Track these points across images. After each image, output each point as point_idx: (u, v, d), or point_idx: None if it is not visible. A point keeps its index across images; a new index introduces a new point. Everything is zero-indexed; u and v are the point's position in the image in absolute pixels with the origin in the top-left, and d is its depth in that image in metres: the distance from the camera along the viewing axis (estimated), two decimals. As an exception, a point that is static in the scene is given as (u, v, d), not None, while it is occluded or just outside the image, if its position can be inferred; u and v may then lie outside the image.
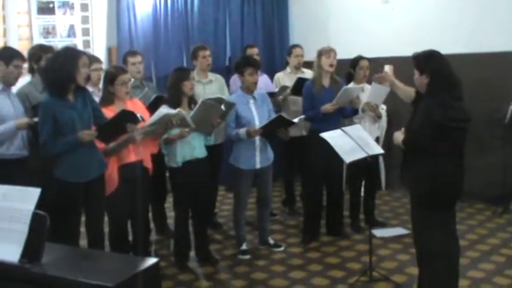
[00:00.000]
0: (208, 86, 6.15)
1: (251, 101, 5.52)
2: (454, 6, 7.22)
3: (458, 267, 4.07)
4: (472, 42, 6.92)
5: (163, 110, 4.69)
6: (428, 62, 3.94)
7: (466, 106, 3.95)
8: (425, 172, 3.91)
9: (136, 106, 4.83)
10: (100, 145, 4.49)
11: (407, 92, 4.37)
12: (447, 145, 3.89)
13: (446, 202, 4.02)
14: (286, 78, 6.85)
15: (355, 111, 5.90)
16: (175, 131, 4.95)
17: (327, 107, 5.64)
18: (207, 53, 6.26)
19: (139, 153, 4.75)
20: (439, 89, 3.87)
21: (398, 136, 4.08)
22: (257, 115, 5.48)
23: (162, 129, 4.80)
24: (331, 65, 5.78)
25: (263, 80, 6.72)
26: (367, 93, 5.94)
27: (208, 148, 5.36)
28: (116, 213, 4.73)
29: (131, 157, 4.71)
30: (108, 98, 4.73)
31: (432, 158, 3.89)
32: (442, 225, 4.01)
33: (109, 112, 4.54)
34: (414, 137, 3.94)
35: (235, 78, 6.48)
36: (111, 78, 4.69)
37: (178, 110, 4.76)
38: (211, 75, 6.38)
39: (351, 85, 6.00)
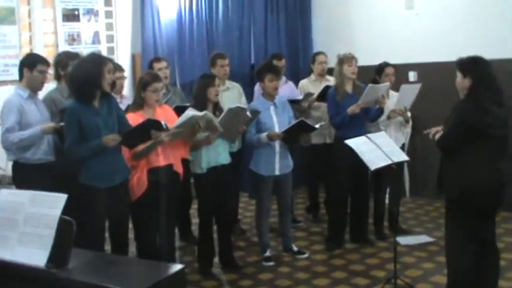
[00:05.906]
0: (225, 94, 6.11)
1: (272, 107, 5.52)
2: (481, 12, 7.10)
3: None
4: (498, 48, 6.81)
5: (190, 112, 4.68)
6: (472, 65, 3.99)
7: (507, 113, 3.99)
8: (456, 177, 3.92)
9: (166, 112, 4.86)
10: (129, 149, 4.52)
11: None
12: (480, 151, 3.88)
13: (474, 210, 3.98)
14: (310, 85, 6.82)
15: (380, 112, 5.81)
16: (201, 136, 4.95)
17: (353, 108, 5.59)
18: (226, 62, 6.20)
19: (168, 157, 4.75)
20: (479, 92, 3.91)
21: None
22: (277, 121, 5.48)
23: (190, 133, 4.80)
24: (353, 73, 5.78)
25: (288, 87, 6.74)
26: (393, 99, 5.89)
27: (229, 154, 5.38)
28: (144, 217, 4.74)
29: (160, 161, 4.71)
30: (139, 102, 4.75)
31: (464, 164, 3.89)
32: (465, 233, 4.00)
33: (137, 117, 4.57)
34: (445, 135, 3.98)
35: (259, 87, 6.47)
36: (144, 84, 4.71)
37: (204, 112, 4.76)
38: (229, 83, 6.36)
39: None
